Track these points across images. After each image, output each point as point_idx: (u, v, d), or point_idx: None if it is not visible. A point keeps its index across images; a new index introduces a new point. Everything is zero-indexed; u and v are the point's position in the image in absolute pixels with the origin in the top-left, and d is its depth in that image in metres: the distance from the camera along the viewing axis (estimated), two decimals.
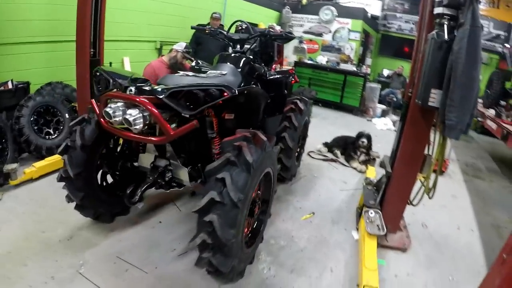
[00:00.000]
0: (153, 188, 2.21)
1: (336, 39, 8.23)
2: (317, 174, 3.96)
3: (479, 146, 6.76)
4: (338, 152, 4.63)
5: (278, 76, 2.96)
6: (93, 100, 1.99)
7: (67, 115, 3.58)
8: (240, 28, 3.46)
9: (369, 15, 8.52)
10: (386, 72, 9.54)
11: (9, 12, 3.43)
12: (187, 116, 1.78)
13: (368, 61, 8.38)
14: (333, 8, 8.18)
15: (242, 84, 2.51)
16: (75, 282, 1.95)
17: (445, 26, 1.94)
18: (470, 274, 2.39)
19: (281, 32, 2.94)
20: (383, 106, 7.57)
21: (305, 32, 8.54)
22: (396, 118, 7.38)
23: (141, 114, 1.68)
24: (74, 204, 2.26)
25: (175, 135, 1.72)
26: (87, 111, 2.20)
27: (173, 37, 5.37)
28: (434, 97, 2.06)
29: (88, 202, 2.22)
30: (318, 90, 7.52)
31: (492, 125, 4.66)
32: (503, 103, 5.20)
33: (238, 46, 2.80)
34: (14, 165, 2.85)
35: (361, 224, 2.68)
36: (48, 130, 3.47)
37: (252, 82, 2.75)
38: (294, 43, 8.31)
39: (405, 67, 8.44)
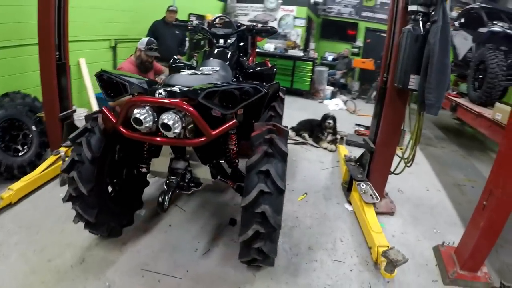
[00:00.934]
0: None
1: (282, 26, 8.52)
2: (295, 158, 4.24)
3: (424, 117, 7.75)
4: (306, 135, 4.99)
5: (262, 68, 3.11)
6: (106, 108, 1.93)
7: (34, 128, 3.27)
8: (214, 22, 3.46)
9: (312, 1, 8.94)
10: (328, 55, 10.19)
11: None
12: (219, 115, 1.84)
13: (312, 45, 8.86)
14: None
15: (233, 78, 2.63)
16: None
17: (420, 22, 2.29)
18: (449, 226, 2.93)
19: (263, 26, 3.08)
20: (332, 88, 8.16)
21: (251, 21, 8.65)
22: (345, 98, 8.04)
23: (178, 117, 1.67)
24: (71, 224, 2.16)
25: (216, 135, 1.75)
26: (86, 119, 2.06)
27: (127, 34, 5.10)
28: (413, 81, 2.43)
29: (101, 218, 2.12)
30: None
31: None
32: None
33: (222, 41, 2.87)
34: None
35: (353, 197, 3.04)
36: (16, 146, 3.14)
37: (237, 76, 2.89)
38: None
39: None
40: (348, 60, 9.37)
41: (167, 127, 1.66)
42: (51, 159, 3.15)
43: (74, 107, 3.51)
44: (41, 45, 2.99)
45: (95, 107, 4.35)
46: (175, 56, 3.30)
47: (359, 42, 10.40)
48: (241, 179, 2.32)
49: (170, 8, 5.10)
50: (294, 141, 4.82)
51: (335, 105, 7.36)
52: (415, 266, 2.34)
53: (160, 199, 1.97)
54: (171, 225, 2.64)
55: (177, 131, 1.68)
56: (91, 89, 4.41)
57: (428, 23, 2.30)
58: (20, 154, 3.14)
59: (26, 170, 3.08)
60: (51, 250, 2.22)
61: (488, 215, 2.03)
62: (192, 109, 1.65)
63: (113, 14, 4.79)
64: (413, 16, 2.36)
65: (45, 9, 2.86)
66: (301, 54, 7.95)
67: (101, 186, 2.11)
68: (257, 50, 7.93)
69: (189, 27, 3.02)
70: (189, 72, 2.24)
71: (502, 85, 3.35)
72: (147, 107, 1.71)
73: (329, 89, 8.10)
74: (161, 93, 1.72)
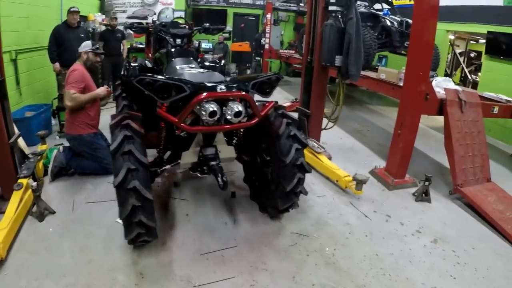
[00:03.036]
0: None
1: (162, 19, 8.54)
2: None
3: (298, 85, 9.32)
4: None
5: (211, 63, 3.60)
6: (162, 110, 2.10)
7: None
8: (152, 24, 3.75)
9: None
10: (203, 43, 10.72)
11: None
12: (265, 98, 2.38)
13: None
14: None
15: None
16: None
17: (340, 18, 3.28)
18: (368, 157, 4.29)
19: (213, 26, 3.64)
20: None
21: (129, 17, 8.32)
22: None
23: (242, 105, 2.07)
24: (88, 250, 2.28)
25: (264, 115, 2.26)
26: (114, 128, 2.13)
27: (26, 43, 4.48)
28: (338, 60, 3.46)
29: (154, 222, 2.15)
30: None
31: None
32: None
33: (179, 41, 3.25)
34: None
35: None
36: None
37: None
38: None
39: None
40: (224, 45, 10.11)
41: (239, 113, 2.04)
42: (16, 195, 2.78)
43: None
44: None
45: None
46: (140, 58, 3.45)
47: (229, 27, 11.33)
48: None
49: (72, 9, 4.72)
50: None
51: None
52: (365, 185, 3.30)
53: (220, 180, 2.21)
54: (188, 214, 2.86)
55: (241, 117, 2.08)
56: None
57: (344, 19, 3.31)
58: None
59: None
60: (100, 283, 2.05)
61: (403, 138, 3.29)
62: (250, 98, 2.12)
63: (6, 22, 4.12)
64: (333, 14, 3.35)
65: None
66: None
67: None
68: (141, 46, 7.94)
69: (150, 29, 3.24)
70: (197, 70, 2.60)
71: (375, 52, 4.86)
72: (212, 101, 2.00)
73: None
74: (222, 88, 2.06)
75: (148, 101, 2.25)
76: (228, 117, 2.06)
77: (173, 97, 2.05)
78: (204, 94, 1.98)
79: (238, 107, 2.05)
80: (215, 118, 2.02)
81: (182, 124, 2.05)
